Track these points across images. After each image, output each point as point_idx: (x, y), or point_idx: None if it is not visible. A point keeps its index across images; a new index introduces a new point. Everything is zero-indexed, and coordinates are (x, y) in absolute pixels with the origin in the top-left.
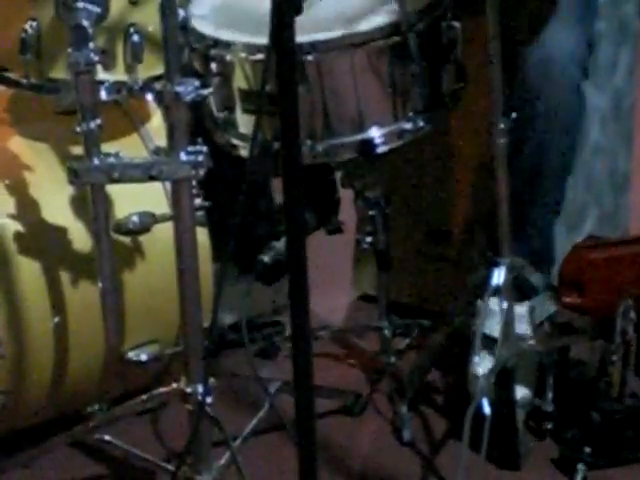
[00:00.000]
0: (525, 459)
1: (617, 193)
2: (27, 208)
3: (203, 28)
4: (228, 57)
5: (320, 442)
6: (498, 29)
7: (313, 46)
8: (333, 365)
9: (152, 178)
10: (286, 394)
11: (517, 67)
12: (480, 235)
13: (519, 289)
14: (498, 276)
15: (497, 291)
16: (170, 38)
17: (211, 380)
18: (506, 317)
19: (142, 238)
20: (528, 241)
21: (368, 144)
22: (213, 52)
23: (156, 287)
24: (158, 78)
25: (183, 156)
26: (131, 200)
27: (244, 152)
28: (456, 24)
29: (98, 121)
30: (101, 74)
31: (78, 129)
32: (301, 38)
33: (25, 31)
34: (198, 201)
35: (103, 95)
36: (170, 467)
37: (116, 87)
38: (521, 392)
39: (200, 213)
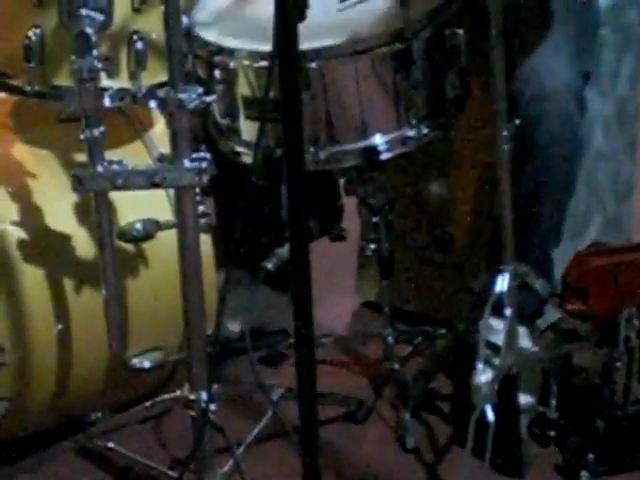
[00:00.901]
0: (529, 466)
1: (620, 199)
2: (31, 215)
3: (207, 35)
4: (232, 64)
5: (323, 449)
6: (501, 38)
7: (317, 53)
8: (336, 372)
9: (155, 185)
10: (290, 401)
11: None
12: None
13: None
14: (502, 283)
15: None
16: (174, 45)
17: (215, 387)
18: (509, 324)
19: (146, 245)
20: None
21: (372, 151)
22: (217, 59)
23: (160, 294)
24: (162, 85)
25: (187, 163)
26: (135, 207)
27: (247, 159)
28: (459, 31)
29: (102, 128)
30: (105, 81)
31: (82, 136)
32: (304, 45)
33: (29, 38)
34: (202, 208)
35: (107, 102)
36: (174, 474)
37: (120, 94)
38: (525, 399)
39: (203, 220)
